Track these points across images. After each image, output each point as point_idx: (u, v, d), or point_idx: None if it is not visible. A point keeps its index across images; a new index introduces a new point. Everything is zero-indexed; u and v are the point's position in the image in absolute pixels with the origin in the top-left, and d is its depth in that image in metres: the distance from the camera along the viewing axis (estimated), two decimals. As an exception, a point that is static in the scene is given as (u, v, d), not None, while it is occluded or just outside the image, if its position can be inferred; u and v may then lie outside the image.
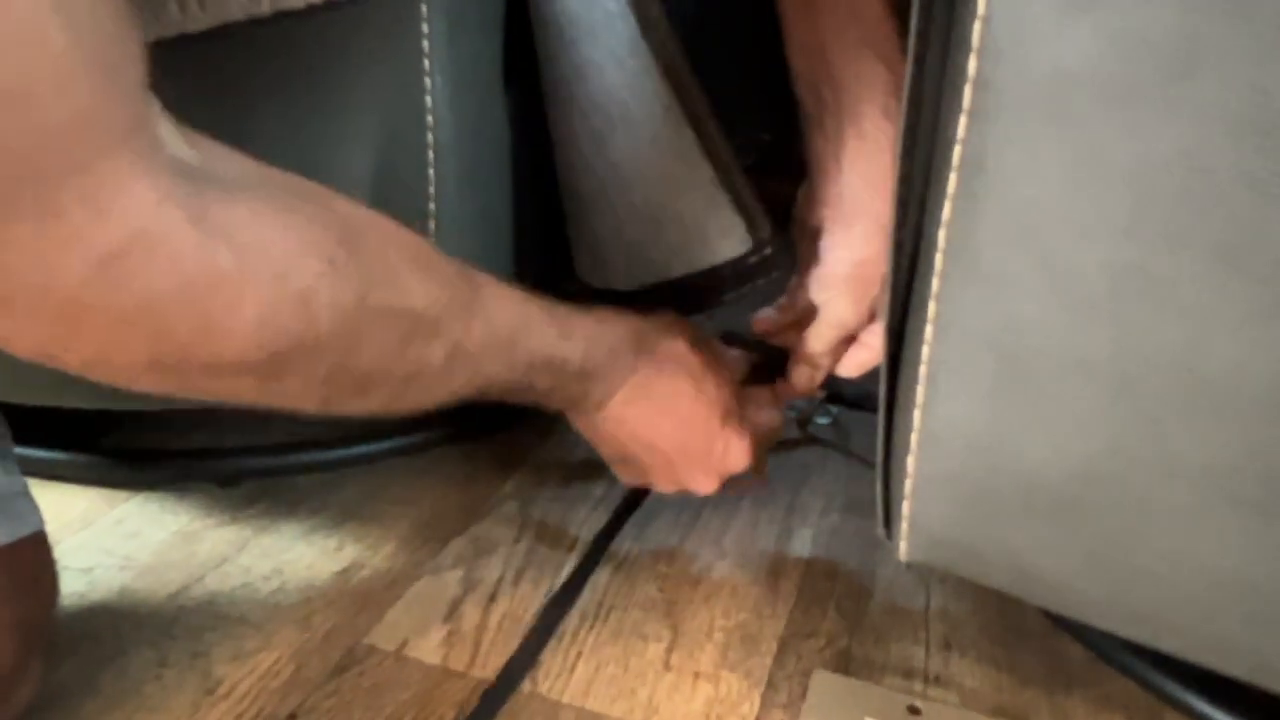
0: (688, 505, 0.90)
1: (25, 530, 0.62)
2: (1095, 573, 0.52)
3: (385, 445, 0.93)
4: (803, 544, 0.86)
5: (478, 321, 0.58)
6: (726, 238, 0.76)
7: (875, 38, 0.71)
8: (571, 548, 0.84)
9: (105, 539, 0.83)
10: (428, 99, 0.66)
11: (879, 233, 0.74)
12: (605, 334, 0.71)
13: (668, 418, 0.76)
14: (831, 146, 0.75)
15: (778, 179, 1.54)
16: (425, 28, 0.64)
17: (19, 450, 0.88)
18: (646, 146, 0.72)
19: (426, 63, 0.65)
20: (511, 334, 0.62)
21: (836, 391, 1.02)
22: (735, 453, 0.78)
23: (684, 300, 0.79)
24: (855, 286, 0.76)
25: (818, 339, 0.78)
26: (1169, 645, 0.55)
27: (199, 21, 0.58)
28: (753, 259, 0.78)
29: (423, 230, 0.69)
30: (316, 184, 0.51)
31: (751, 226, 0.76)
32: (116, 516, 0.86)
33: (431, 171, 0.68)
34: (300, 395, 0.50)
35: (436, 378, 0.57)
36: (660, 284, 0.78)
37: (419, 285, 0.54)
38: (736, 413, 0.78)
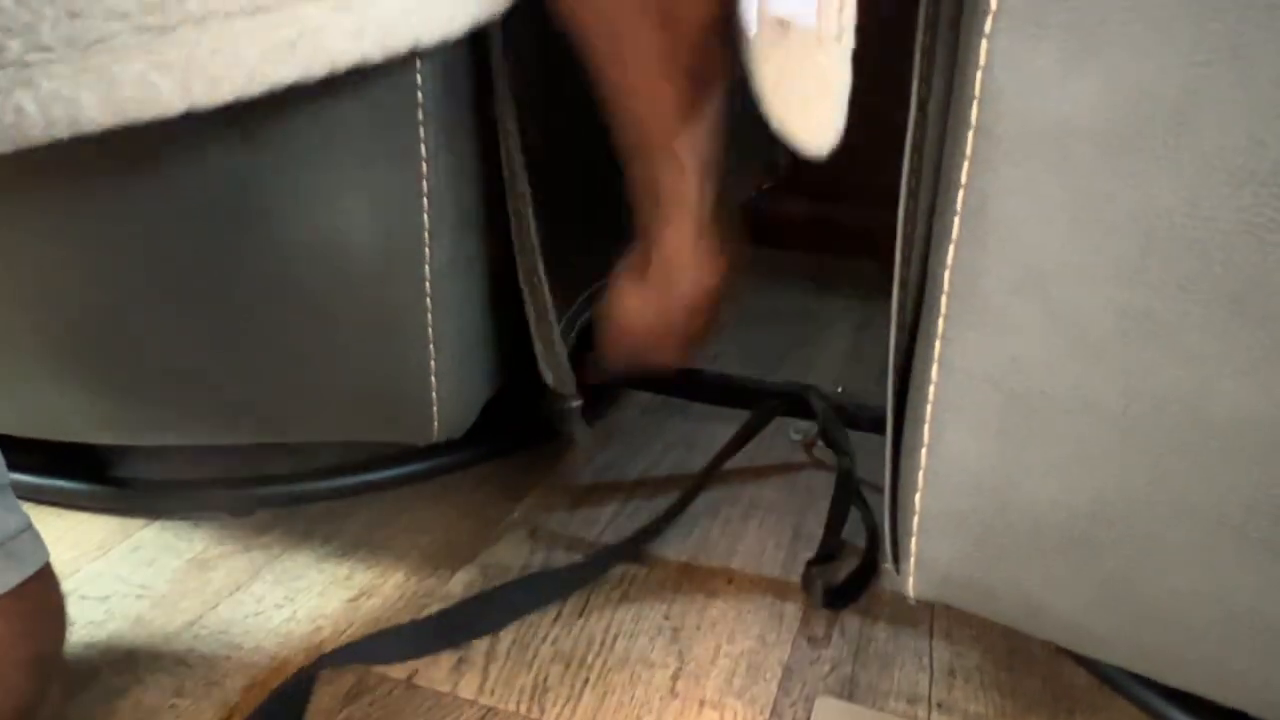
0: (695, 530, 0.91)
1: (31, 568, 0.61)
2: (1105, 610, 0.53)
3: (395, 472, 0.93)
4: (809, 569, 0.86)
5: None
6: (540, 363, 0.80)
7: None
8: (579, 574, 0.85)
9: (121, 567, 0.84)
10: (422, 148, 0.67)
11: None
12: None
13: None
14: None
15: (793, 198, 1.56)
16: (419, 79, 0.65)
17: (41, 480, 0.89)
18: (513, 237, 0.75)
19: (420, 113, 0.66)
20: None
21: (842, 413, 1.03)
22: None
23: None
24: None
25: None
26: (1179, 681, 0.55)
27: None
28: (554, 400, 0.82)
29: (419, 275, 0.71)
30: None
31: (553, 373, 0.80)
32: (133, 544, 0.87)
33: (426, 217, 0.69)
34: None
35: None
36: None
37: None
38: None
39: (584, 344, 0.87)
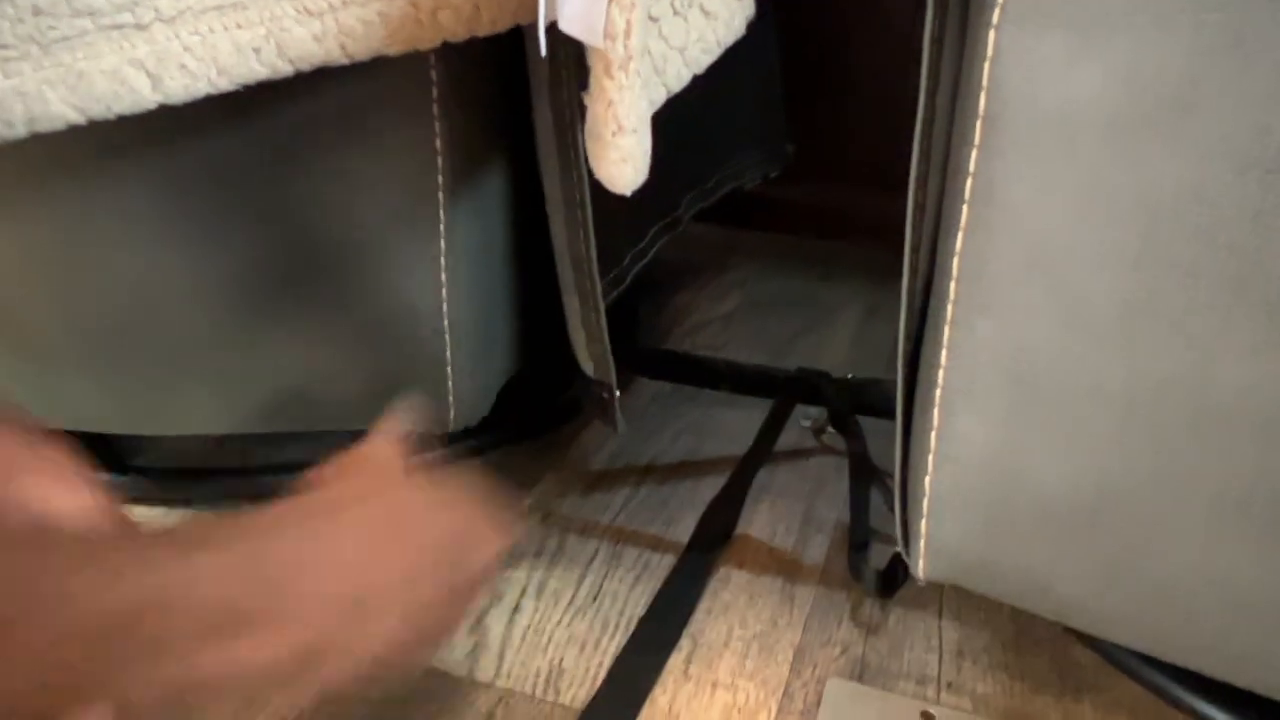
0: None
1: None
2: (1111, 590, 0.53)
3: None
4: (818, 552, 0.87)
5: None
6: (581, 353, 0.78)
7: None
8: (592, 559, 0.85)
9: (141, 555, 0.84)
10: (437, 141, 0.67)
11: None
12: None
13: None
14: None
15: (798, 184, 1.56)
16: (433, 75, 0.66)
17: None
18: (556, 227, 0.74)
19: (435, 108, 0.66)
20: None
21: (853, 397, 1.03)
22: None
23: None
24: None
25: None
26: (1183, 659, 0.56)
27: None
28: (591, 389, 0.79)
29: (434, 263, 0.72)
30: None
31: (595, 364, 0.77)
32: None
33: (441, 209, 0.70)
34: None
35: None
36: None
37: None
38: None
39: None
